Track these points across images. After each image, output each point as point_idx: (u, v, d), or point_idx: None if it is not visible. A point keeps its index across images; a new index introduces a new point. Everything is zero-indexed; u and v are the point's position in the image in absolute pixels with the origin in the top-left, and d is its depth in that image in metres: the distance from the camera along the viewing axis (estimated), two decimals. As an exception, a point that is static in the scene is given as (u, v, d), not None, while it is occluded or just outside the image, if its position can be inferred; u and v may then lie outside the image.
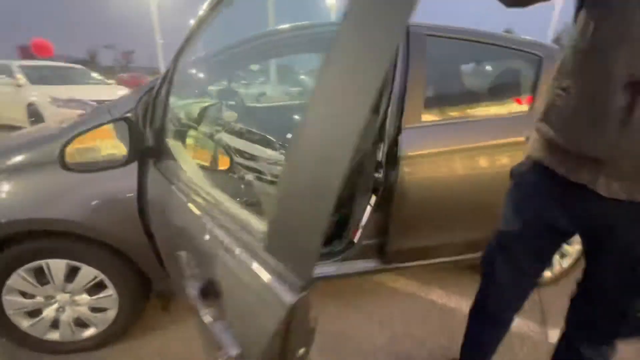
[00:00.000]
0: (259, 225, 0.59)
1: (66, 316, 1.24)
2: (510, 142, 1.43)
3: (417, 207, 1.40)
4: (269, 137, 1.75)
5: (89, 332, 1.29)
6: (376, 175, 1.39)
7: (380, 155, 1.38)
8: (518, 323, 1.50)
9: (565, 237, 0.86)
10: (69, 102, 4.63)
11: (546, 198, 0.80)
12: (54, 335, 1.26)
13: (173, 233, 0.94)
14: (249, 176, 1.55)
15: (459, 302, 1.71)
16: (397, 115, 1.35)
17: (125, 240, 1.16)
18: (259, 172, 1.63)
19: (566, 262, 1.77)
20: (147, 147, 1.06)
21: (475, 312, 1.09)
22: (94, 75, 6.38)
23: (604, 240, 0.74)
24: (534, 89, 1.51)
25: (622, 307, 0.77)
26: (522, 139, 1.40)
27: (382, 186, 1.37)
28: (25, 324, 1.22)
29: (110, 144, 1.17)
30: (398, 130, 1.34)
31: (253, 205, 0.81)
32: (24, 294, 1.19)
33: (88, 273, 1.19)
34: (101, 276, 1.21)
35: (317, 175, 0.40)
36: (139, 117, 1.14)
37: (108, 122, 1.13)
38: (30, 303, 1.20)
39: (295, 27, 1.61)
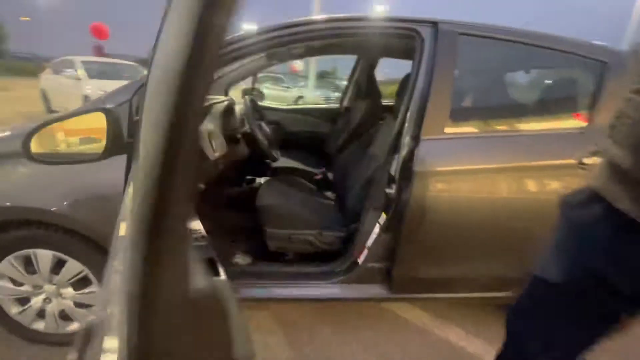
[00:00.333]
0: None
1: (51, 308, 1.22)
2: (555, 165, 1.18)
3: (433, 232, 1.20)
4: None
5: (73, 326, 1.26)
6: (387, 190, 1.21)
7: (394, 168, 1.20)
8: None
9: (617, 300, 0.61)
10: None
11: (602, 243, 0.59)
12: (40, 325, 1.25)
13: None
14: None
15: (479, 348, 1.43)
16: (416, 123, 1.17)
17: (106, 236, 1.10)
18: None
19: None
20: (126, 142, 0.99)
21: None
22: (144, 71, 6.87)
23: None
24: (594, 100, 1.24)
25: None
26: (572, 161, 1.14)
27: (393, 203, 1.19)
28: (14, 310, 1.22)
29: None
30: (416, 140, 1.16)
31: None
32: (14, 282, 1.19)
33: (73, 267, 1.17)
34: (86, 271, 1.18)
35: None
36: (133, 109, 1.09)
37: (83, 113, 1.10)
38: (18, 291, 1.20)
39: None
